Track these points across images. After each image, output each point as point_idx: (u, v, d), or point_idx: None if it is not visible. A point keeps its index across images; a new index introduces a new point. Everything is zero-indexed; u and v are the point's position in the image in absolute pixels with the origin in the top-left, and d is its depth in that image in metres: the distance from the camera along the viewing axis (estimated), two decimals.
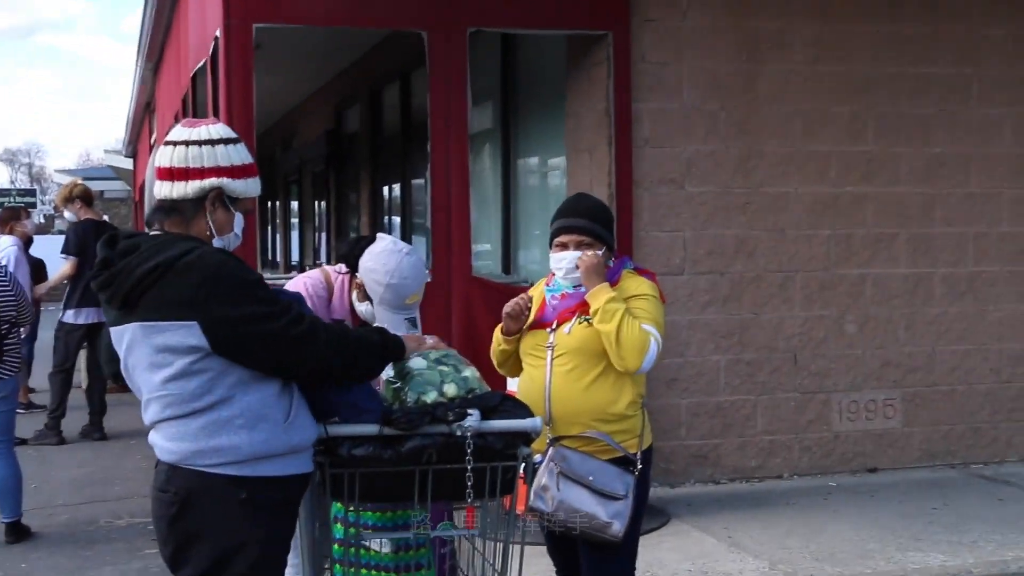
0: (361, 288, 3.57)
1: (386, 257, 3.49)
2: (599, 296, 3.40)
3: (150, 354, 2.54)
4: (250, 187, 2.67)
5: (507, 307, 3.56)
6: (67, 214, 8.48)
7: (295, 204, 18.68)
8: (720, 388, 6.49)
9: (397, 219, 11.95)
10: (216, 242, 2.63)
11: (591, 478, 3.35)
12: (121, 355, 2.64)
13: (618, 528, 3.31)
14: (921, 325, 6.81)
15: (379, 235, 3.62)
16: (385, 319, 3.49)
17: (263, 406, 2.56)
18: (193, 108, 8.74)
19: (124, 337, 2.59)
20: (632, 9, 6.18)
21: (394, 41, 9.65)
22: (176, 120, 10.46)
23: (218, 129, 2.65)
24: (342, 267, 3.67)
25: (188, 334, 2.49)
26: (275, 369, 2.57)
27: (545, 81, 7.80)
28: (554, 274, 3.59)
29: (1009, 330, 6.96)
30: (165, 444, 2.58)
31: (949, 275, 6.84)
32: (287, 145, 18.29)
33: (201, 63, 6.76)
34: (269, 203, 21.09)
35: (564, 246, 3.53)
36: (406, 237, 11.36)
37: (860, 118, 6.64)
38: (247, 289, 2.52)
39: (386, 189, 12.58)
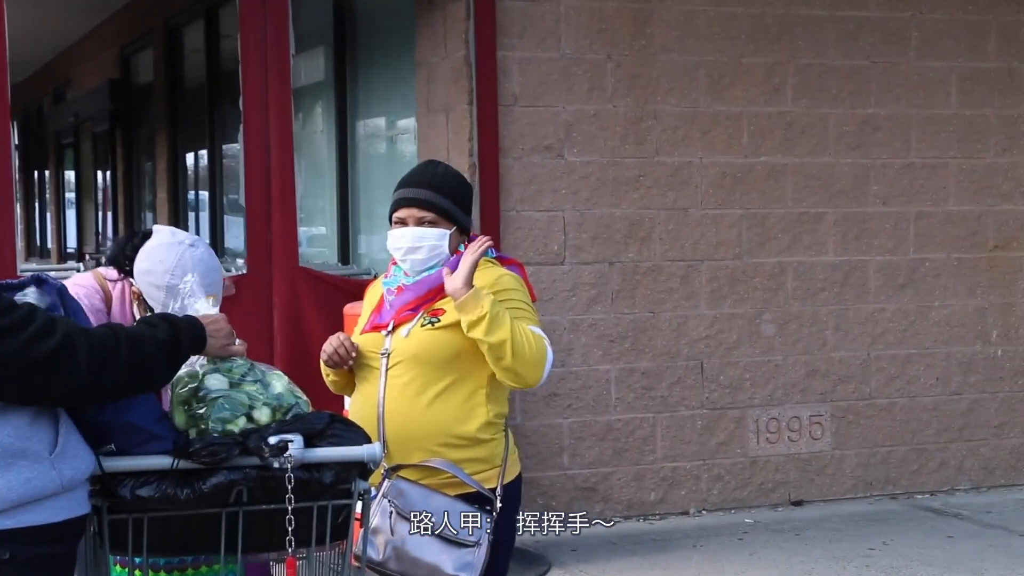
0: (140, 297, 3.49)
1: (163, 253, 3.39)
2: (478, 302, 3.40)
3: None
4: None
5: (324, 352, 3.59)
6: None
7: (71, 174, 18.22)
8: (611, 405, 6.64)
9: (205, 194, 11.82)
10: None
11: (433, 519, 3.42)
12: None
13: None
14: (853, 325, 7.08)
15: (155, 228, 3.55)
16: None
17: (17, 438, 2.55)
18: None
19: None
20: None
21: None
22: None
23: None
24: (114, 272, 3.62)
25: None
26: (22, 398, 2.56)
27: (390, 23, 7.84)
28: (394, 262, 3.66)
29: (958, 330, 7.27)
30: None
31: (886, 264, 7.14)
32: (59, 97, 17.86)
33: None
34: (36, 172, 20.50)
35: (403, 222, 3.60)
36: (216, 217, 11.26)
37: (777, 71, 6.86)
38: None
39: (190, 156, 12.43)
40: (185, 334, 2.78)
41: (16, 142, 22.55)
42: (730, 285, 6.82)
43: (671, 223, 6.69)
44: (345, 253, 8.37)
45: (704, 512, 6.81)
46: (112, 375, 2.62)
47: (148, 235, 3.50)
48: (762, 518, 6.73)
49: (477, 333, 3.41)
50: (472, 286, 3.43)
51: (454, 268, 3.53)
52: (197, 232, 12.15)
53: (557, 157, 6.47)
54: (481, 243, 3.48)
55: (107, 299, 3.58)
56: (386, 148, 8.11)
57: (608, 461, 6.64)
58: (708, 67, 6.73)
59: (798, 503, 6.98)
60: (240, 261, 6.43)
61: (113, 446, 2.72)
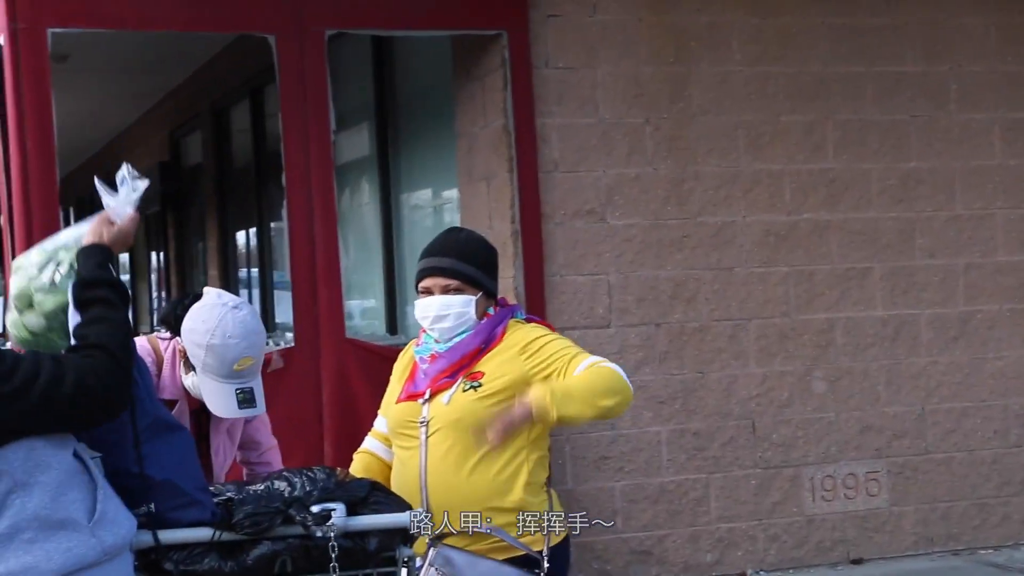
0: (185, 356, 3.61)
1: (206, 313, 3.50)
2: (543, 407, 3.36)
3: None
4: None
5: None
6: None
7: (125, 257, 18.52)
8: (663, 466, 6.62)
9: (255, 271, 11.96)
10: None
11: None
12: None
13: None
14: (906, 379, 7.03)
15: (205, 290, 3.67)
16: (210, 392, 3.53)
17: (55, 507, 2.56)
18: None
19: None
20: (530, 2, 6.35)
21: (239, 48, 9.75)
22: None
23: None
24: (166, 333, 3.73)
25: None
26: (51, 432, 2.57)
27: (430, 96, 7.94)
28: (424, 330, 3.69)
29: (1014, 382, 7.19)
30: None
31: (937, 317, 7.09)
32: (112, 181, 18.15)
33: None
34: None
35: (428, 291, 3.64)
36: (266, 293, 11.38)
37: (817, 128, 6.89)
38: None
39: (240, 235, 12.59)
40: (122, 288, 2.76)
41: None
42: (779, 343, 6.80)
43: (716, 283, 6.70)
44: (393, 323, 8.43)
45: (762, 572, 6.75)
46: (120, 386, 2.62)
47: (198, 297, 3.60)
48: None
49: (553, 414, 3.37)
50: (528, 410, 3.38)
51: (483, 333, 3.57)
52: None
53: (600, 221, 6.51)
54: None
55: (159, 362, 3.68)
56: (430, 218, 8.19)
57: (662, 523, 6.61)
58: (747, 127, 6.77)
59: (858, 561, 6.89)
60: (289, 335, 6.50)
61: (152, 507, 2.75)
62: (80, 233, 2.85)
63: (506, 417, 3.37)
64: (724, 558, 6.71)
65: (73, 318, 2.72)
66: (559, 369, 3.52)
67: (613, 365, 3.51)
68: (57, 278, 2.81)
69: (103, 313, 2.68)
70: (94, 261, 2.76)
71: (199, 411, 3.75)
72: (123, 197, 2.87)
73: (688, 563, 6.65)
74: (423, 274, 3.66)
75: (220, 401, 3.55)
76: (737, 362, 6.73)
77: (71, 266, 2.81)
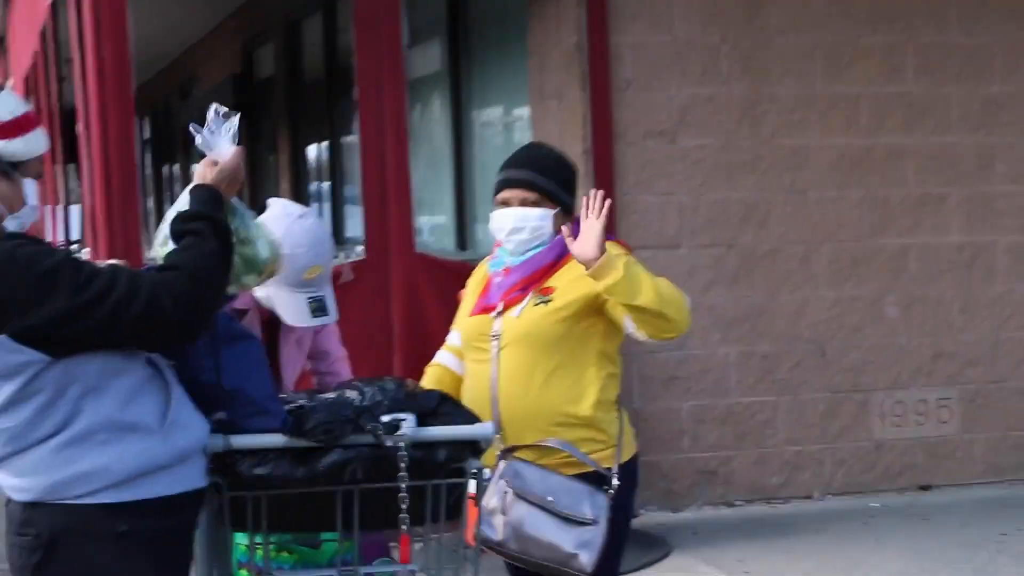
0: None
1: (273, 224, 3.47)
2: (612, 266, 3.33)
3: None
4: (31, 144, 2.71)
5: None
6: None
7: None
8: (731, 388, 6.63)
9: (326, 185, 12.03)
10: (9, 222, 2.67)
11: (551, 498, 3.43)
12: None
13: (586, 560, 3.39)
14: (981, 307, 6.97)
15: (270, 201, 3.69)
16: (283, 302, 3.57)
17: (127, 410, 2.61)
18: (54, 44, 8.78)
19: None
20: None
21: None
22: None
23: None
24: None
25: (2, 352, 2.51)
26: (123, 348, 2.61)
27: (503, 12, 7.89)
28: (499, 243, 3.70)
29: None
30: (15, 481, 2.63)
31: (1015, 244, 7.00)
32: (185, 93, 18.29)
33: None
34: (166, 167, 21.06)
35: (506, 203, 3.64)
36: (337, 207, 11.46)
37: (897, 51, 6.78)
38: (50, 280, 2.51)
39: (312, 149, 12.65)
40: (221, 224, 2.75)
41: (146, 137, 23.19)
42: (851, 267, 6.76)
43: (789, 206, 6.65)
44: (463, 240, 8.46)
45: (828, 496, 6.77)
46: (196, 309, 2.62)
47: (264, 209, 3.64)
48: (888, 503, 6.66)
49: (619, 297, 3.37)
50: (603, 251, 3.38)
51: (557, 248, 3.57)
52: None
53: (671, 142, 6.48)
54: (603, 204, 3.41)
55: None
56: (501, 136, 8.18)
57: (729, 445, 6.64)
58: (825, 48, 6.68)
59: (925, 488, 6.90)
60: (359, 248, 6.55)
61: (224, 414, 2.80)
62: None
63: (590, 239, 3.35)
64: (790, 481, 6.73)
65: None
66: None
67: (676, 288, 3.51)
68: None
69: (193, 243, 2.69)
70: (195, 198, 2.78)
71: (268, 321, 3.80)
72: (219, 135, 2.89)
73: (754, 485, 6.68)
74: (501, 185, 3.66)
75: (293, 311, 3.59)
76: (808, 285, 6.70)
77: None
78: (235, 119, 2.90)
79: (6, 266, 2.50)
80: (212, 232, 2.71)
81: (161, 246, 2.86)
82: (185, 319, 2.60)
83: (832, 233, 6.73)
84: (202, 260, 2.65)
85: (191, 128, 2.90)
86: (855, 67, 6.72)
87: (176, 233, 2.72)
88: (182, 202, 2.88)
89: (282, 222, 3.53)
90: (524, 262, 3.61)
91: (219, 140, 2.88)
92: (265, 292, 3.63)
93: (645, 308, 3.37)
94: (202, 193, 2.80)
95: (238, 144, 2.91)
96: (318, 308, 3.59)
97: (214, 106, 2.92)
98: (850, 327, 6.77)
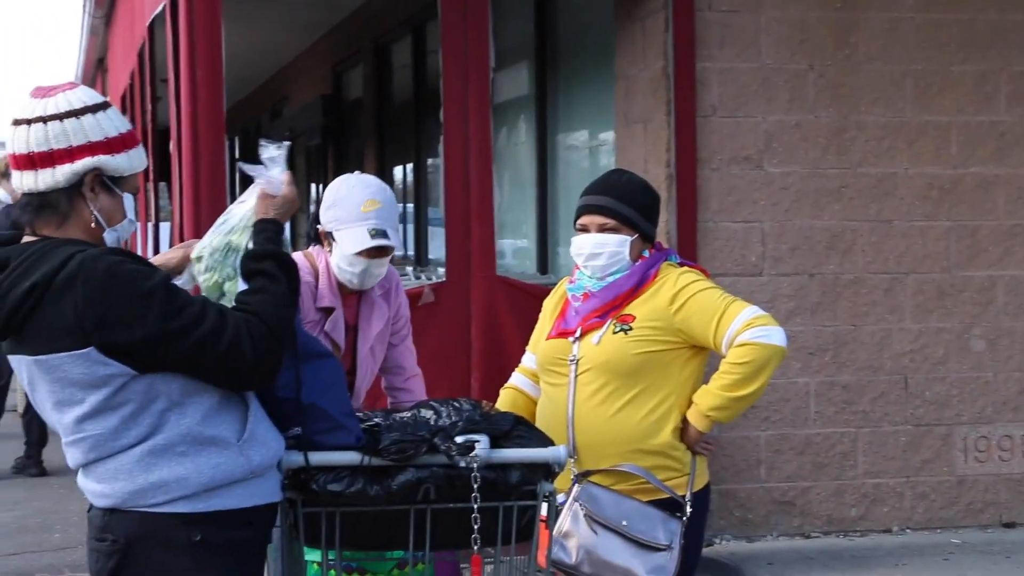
0: (328, 240, 3.78)
1: (335, 186, 3.78)
2: (708, 420, 3.60)
3: (55, 391, 2.65)
4: (134, 161, 2.74)
5: None
6: (1, 193, 8.68)
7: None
8: (810, 418, 6.56)
9: (411, 207, 12.14)
10: (108, 235, 2.73)
11: (625, 523, 3.45)
12: (26, 389, 2.75)
13: None
14: None
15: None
16: (344, 238, 3.68)
17: (207, 425, 2.68)
18: (150, 64, 8.96)
19: (22, 370, 2.71)
20: None
21: None
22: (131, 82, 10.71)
23: (79, 95, 2.71)
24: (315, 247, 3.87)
25: (90, 363, 2.58)
26: (203, 382, 2.68)
27: (590, 37, 7.92)
28: (578, 267, 3.71)
29: None
30: (97, 487, 2.70)
31: None
32: (276, 113, 18.58)
33: (159, 8, 6.96)
34: None
35: (585, 228, 3.67)
36: (421, 229, 11.54)
37: (990, 79, 6.68)
38: (144, 301, 2.58)
39: (398, 170, 12.77)
40: (288, 262, 2.82)
41: (237, 156, 23.59)
42: (937, 299, 6.66)
43: (874, 235, 6.58)
44: (544, 263, 8.48)
45: (908, 530, 6.67)
46: (270, 358, 2.69)
47: None
48: (970, 539, 6.55)
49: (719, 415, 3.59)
50: (702, 431, 3.59)
51: (637, 275, 3.58)
52: (404, 244, 12.47)
53: (756, 168, 6.44)
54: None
55: (315, 271, 3.81)
56: (586, 160, 8.19)
57: (807, 475, 6.56)
58: (915, 76, 6.61)
59: (1010, 525, 6.76)
60: (441, 270, 6.59)
61: (299, 430, 2.84)
62: (246, 210, 2.94)
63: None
64: (869, 514, 6.64)
65: (240, 288, 2.81)
66: (708, 328, 3.53)
67: (763, 327, 3.50)
68: (239, 265, 2.89)
69: (265, 284, 2.75)
70: (263, 236, 2.85)
71: (351, 327, 3.88)
72: (270, 166, 2.95)
73: (832, 516, 6.60)
74: (581, 211, 3.69)
75: (352, 239, 3.69)
76: (892, 316, 6.62)
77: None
78: (284, 146, 2.98)
79: (105, 281, 2.57)
80: (281, 272, 2.78)
81: (203, 274, 2.91)
82: (260, 367, 2.68)
83: (918, 263, 6.64)
84: (276, 307, 2.72)
85: (239, 166, 2.98)
86: (945, 95, 6.64)
87: (248, 272, 2.79)
88: (237, 220, 2.94)
89: (336, 182, 3.80)
90: (604, 288, 3.63)
91: (272, 170, 2.95)
92: (336, 253, 3.74)
93: (747, 397, 3.58)
94: (267, 229, 2.87)
95: (288, 170, 2.98)
96: (377, 234, 3.68)
97: (263, 140, 3.01)
98: (934, 360, 6.67)
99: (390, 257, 3.81)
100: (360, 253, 3.69)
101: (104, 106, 2.73)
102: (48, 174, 2.66)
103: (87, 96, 2.72)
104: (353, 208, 3.70)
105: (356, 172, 3.88)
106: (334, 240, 3.74)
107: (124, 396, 2.61)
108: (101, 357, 2.58)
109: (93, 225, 2.71)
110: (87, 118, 2.68)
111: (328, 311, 3.78)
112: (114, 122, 2.72)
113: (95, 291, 2.56)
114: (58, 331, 2.58)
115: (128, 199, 2.78)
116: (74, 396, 2.62)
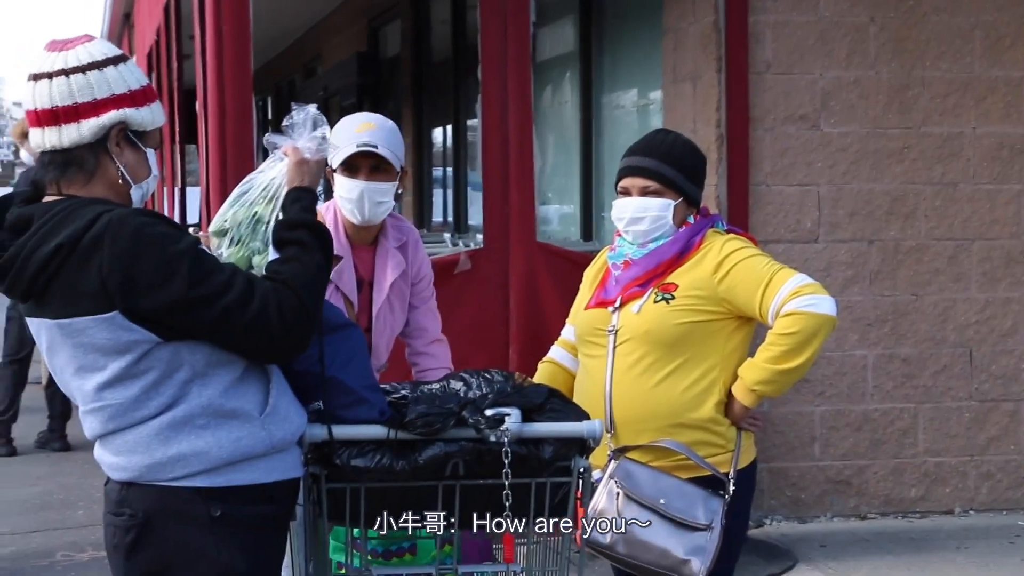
0: (333, 182, 3.90)
1: (337, 124, 3.86)
2: (756, 395, 3.57)
3: (76, 356, 2.68)
4: (156, 115, 2.78)
5: None
6: (23, 155, 8.75)
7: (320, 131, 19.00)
8: (868, 393, 6.54)
9: (450, 170, 12.14)
10: (134, 192, 2.76)
11: (663, 501, 3.44)
12: (44, 356, 2.79)
13: (697, 567, 3.39)
14: None
15: None
16: (338, 160, 3.79)
17: (229, 397, 2.70)
18: (177, 20, 9.00)
19: (41, 335, 2.74)
20: None
21: None
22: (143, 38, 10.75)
23: (99, 47, 2.74)
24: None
25: (114, 328, 2.61)
26: (229, 352, 2.71)
27: None
28: (619, 233, 3.70)
29: None
30: (114, 460, 2.73)
31: None
32: (310, 72, 18.61)
33: None
34: None
35: (626, 192, 3.65)
36: (460, 193, 11.55)
37: None
38: (170, 267, 2.60)
39: (436, 132, 12.77)
40: (322, 231, 2.85)
41: (269, 117, 23.58)
42: (1005, 267, 6.61)
43: (938, 199, 6.53)
44: (588, 229, 8.47)
45: (971, 512, 6.64)
46: (300, 329, 2.71)
47: None
48: None
49: (765, 389, 3.57)
50: (748, 406, 3.57)
51: (681, 242, 3.57)
52: (443, 208, 12.48)
53: (812, 128, 6.40)
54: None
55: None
56: (632, 120, 8.16)
57: (864, 453, 6.54)
58: (985, 28, 6.53)
59: None
60: (480, 237, 6.60)
61: (321, 404, 2.86)
62: (269, 179, 2.96)
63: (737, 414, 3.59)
64: (930, 494, 6.62)
65: (272, 256, 2.83)
66: (753, 297, 3.52)
67: (811, 295, 3.47)
68: (268, 237, 2.91)
69: (297, 254, 2.78)
70: (298, 205, 2.87)
71: (365, 282, 3.93)
72: (296, 133, 2.98)
73: (890, 497, 6.58)
74: (623, 173, 3.68)
75: (342, 156, 3.82)
76: (956, 285, 6.57)
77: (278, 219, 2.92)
78: (309, 112, 3.00)
79: (132, 244, 2.59)
80: (315, 242, 2.81)
81: (228, 247, 2.93)
82: (289, 339, 2.70)
83: (985, 229, 6.58)
84: (307, 277, 2.74)
85: (266, 138, 3.00)
86: (1018, 48, 6.55)
87: (281, 241, 2.82)
88: (259, 191, 2.96)
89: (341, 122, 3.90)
90: (646, 255, 3.62)
91: (302, 135, 2.97)
92: (338, 184, 3.85)
93: (797, 368, 3.53)
94: (303, 198, 2.89)
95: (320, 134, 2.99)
96: (365, 145, 3.78)
97: (294, 105, 3.04)
98: (1001, 331, 6.62)
99: (395, 188, 3.86)
100: (352, 172, 3.78)
101: (124, 58, 2.77)
102: (73, 129, 2.69)
103: (107, 48, 2.75)
104: (347, 132, 3.82)
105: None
106: (335, 176, 3.85)
107: (147, 363, 2.64)
108: (126, 322, 2.60)
109: (120, 182, 2.74)
110: (110, 70, 2.71)
111: (336, 259, 3.78)
112: (135, 74, 2.76)
113: (122, 253, 2.58)
114: (83, 294, 2.61)
115: (151, 155, 2.80)
116: (96, 362, 2.65)
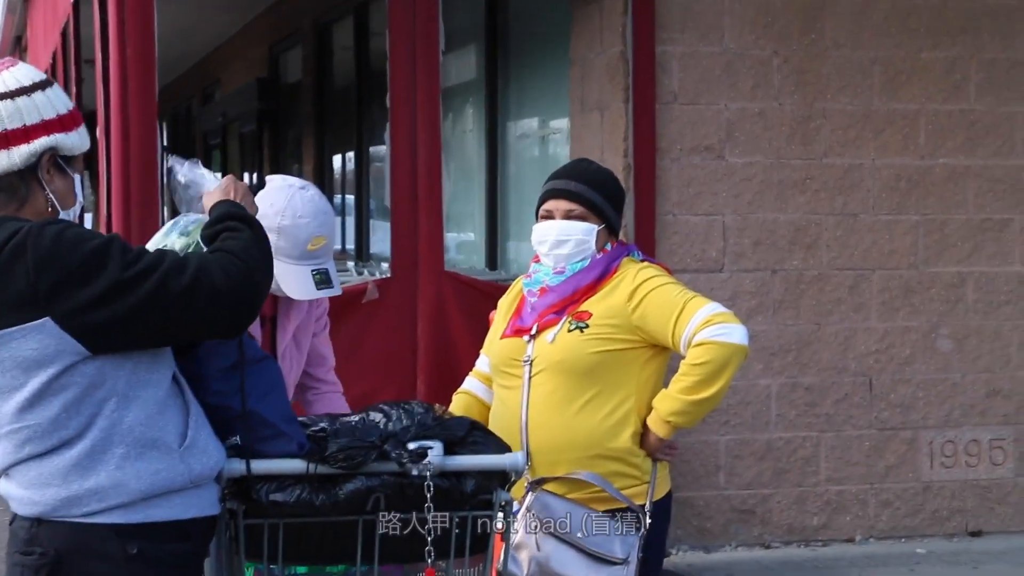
0: None
1: (274, 196, 3.56)
2: (670, 426, 3.59)
3: None
4: (84, 139, 2.75)
5: None
6: None
7: (218, 174, 18.82)
8: (771, 422, 6.57)
9: (351, 198, 12.06)
10: (63, 217, 2.70)
11: (580, 535, 3.42)
12: None
13: None
14: None
15: (269, 176, 3.73)
16: (286, 275, 3.56)
17: (149, 426, 2.63)
18: (75, 44, 8.84)
19: None
20: None
21: None
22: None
23: (25, 72, 2.70)
24: None
25: (43, 336, 2.55)
26: (169, 340, 2.66)
27: (544, 18, 7.89)
28: (536, 259, 3.68)
29: None
30: (23, 493, 2.64)
31: None
32: (208, 97, 18.42)
33: None
34: None
35: (549, 215, 3.63)
36: (362, 221, 11.47)
37: (960, 66, 6.71)
38: (99, 257, 2.56)
39: (337, 159, 12.69)
40: (253, 221, 2.80)
41: (165, 143, 23.39)
42: (904, 296, 6.70)
43: (839, 229, 6.60)
44: (493, 259, 8.45)
45: (872, 540, 6.69)
46: (247, 289, 2.65)
47: (263, 185, 3.69)
48: (936, 548, 6.58)
49: (677, 420, 3.59)
50: (663, 437, 3.59)
51: (597, 269, 3.55)
52: (343, 237, 12.40)
53: (718, 158, 6.44)
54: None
55: None
56: (538, 149, 8.17)
57: (767, 482, 6.58)
58: (883, 63, 6.63)
59: (976, 534, 6.81)
60: (385, 265, 6.54)
61: (238, 439, 2.80)
62: (196, 216, 2.96)
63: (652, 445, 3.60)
64: (831, 522, 6.66)
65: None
66: (666, 325, 3.51)
67: (722, 324, 3.48)
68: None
69: (228, 236, 2.73)
70: (218, 208, 2.83)
71: (267, 318, 3.82)
72: (199, 175, 3.06)
73: (793, 525, 6.61)
74: (547, 195, 3.65)
75: (297, 283, 3.59)
76: (857, 315, 6.64)
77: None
78: (198, 163, 3.06)
79: (55, 245, 2.54)
80: (243, 224, 2.75)
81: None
82: (236, 297, 2.62)
83: (885, 259, 6.66)
84: (246, 245, 2.69)
85: (168, 163, 3.05)
86: (914, 83, 6.66)
87: (209, 237, 2.76)
88: (193, 220, 2.95)
89: (283, 193, 3.59)
90: (562, 282, 3.60)
91: (204, 179, 3.01)
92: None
93: (708, 400, 3.59)
94: (220, 204, 2.85)
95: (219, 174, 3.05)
96: (322, 280, 3.60)
97: (171, 158, 3.08)
98: (900, 360, 6.70)
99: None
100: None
101: (50, 83, 2.73)
102: (4, 156, 2.65)
103: (32, 73, 2.72)
104: (298, 245, 3.58)
105: (298, 183, 3.70)
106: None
107: (69, 378, 2.57)
108: (56, 329, 2.54)
109: (49, 209, 2.70)
110: (38, 95, 2.69)
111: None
112: (62, 99, 2.73)
113: (46, 256, 2.54)
114: (9, 304, 2.55)
115: (78, 181, 2.76)
116: (15, 380, 2.58)
